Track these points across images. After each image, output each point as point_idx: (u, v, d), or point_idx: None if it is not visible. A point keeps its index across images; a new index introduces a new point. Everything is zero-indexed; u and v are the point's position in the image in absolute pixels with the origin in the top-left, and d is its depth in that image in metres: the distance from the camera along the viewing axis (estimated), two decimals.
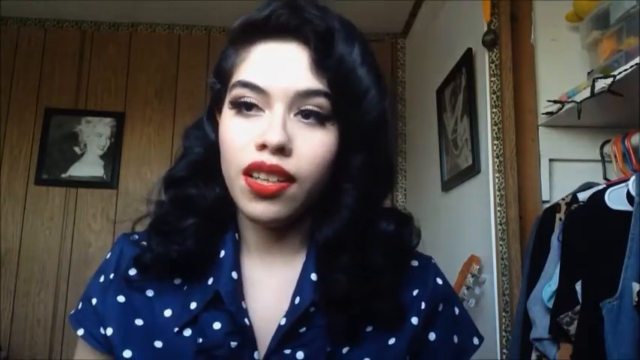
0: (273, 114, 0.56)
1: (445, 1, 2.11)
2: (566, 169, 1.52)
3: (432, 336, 0.64)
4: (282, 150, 0.55)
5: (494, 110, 1.60)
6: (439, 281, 0.67)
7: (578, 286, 1.12)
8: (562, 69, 1.52)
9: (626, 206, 1.07)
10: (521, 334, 1.32)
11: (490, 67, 1.62)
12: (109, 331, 0.62)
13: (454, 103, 1.94)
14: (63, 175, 2.65)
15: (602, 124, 1.47)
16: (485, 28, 1.62)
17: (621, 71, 1.15)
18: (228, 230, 0.64)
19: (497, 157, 1.57)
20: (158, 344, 0.60)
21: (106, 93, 2.74)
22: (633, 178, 1.08)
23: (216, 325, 0.59)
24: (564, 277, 1.17)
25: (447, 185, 2.01)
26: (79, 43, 2.76)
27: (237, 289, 0.61)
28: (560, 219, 1.30)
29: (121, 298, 0.63)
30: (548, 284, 1.23)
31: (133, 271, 0.64)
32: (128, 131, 2.70)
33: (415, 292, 0.64)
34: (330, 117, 0.57)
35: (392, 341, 0.61)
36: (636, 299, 0.98)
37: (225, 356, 0.58)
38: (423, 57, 2.49)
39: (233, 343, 0.58)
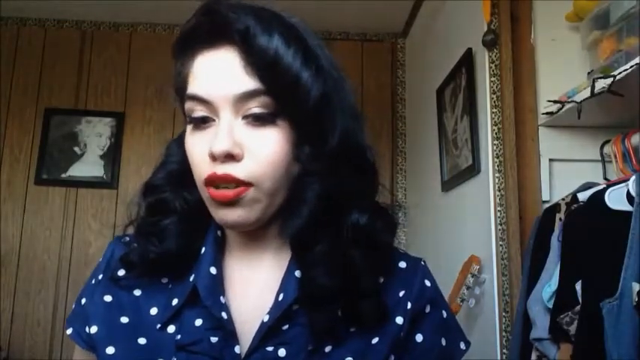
0: (219, 122, 0.58)
1: (445, 1, 2.11)
2: (566, 169, 1.52)
3: (419, 337, 0.64)
4: (231, 157, 0.56)
5: (494, 110, 1.60)
6: (427, 283, 0.66)
7: (578, 286, 1.12)
8: (562, 69, 1.52)
9: (626, 206, 1.07)
10: (521, 334, 1.32)
11: (490, 67, 1.62)
12: (93, 329, 0.63)
13: (454, 103, 1.94)
14: (63, 175, 2.66)
15: (602, 124, 1.47)
16: (485, 28, 1.62)
17: (621, 71, 1.15)
18: (209, 228, 0.65)
19: (497, 157, 1.57)
20: (142, 341, 0.61)
21: (106, 93, 2.74)
22: (633, 178, 1.08)
23: (198, 322, 0.60)
24: (564, 277, 1.17)
25: (447, 185, 2.01)
26: (79, 43, 2.77)
27: (216, 284, 0.62)
28: (560, 219, 1.30)
29: (107, 298, 0.65)
30: (548, 284, 1.23)
31: (122, 272, 0.66)
32: (128, 131, 2.70)
33: (401, 293, 0.64)
34: (275, 113, 0.57)
35: (375, 341, 0.61)
36: (636, 299, 0.98)
37: (206, 352, 0.59)
38: (423, 57, 2.49)
39: (213, 339, 0.59)
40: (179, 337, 0.60)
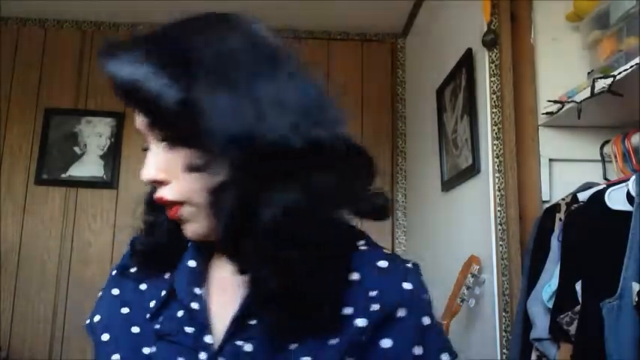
0: (149, 150, 0.61)
1: (445, 1, 2.11)
2: (566, 169, 1.52)
3: (385, 343, 0.59)
4: (158, 182, 0.60)
5: (494, 110, 1.60)
6: (406, 286, 0.61)
7: (578, 286, 1.12)
8: (562, 69, 1.52)
9: (626, 206, 1.07)
10: (521, 334, 1.32)
11: (490, 67, 1.62)
12: (96, 318, 0.68)
13: (454, 103, 1.94)
14: (63, 175, 2.66)
15: (602, 124, 1.47)
16: (485, 28, 1.62)
17: (621, 71, 1.15)
18: None
19: (497, 157, 1.57)
20: (135, 329, 0.65)
21: (106, 93, 2.73)
22: (633, 178, 1.08)
23: (180, 313, 0.63)
24: (564, 277, 1.17)
25: (447, 185, 2.01)
26: (79, 43, 2.77)
27: (193, 277, 0.64)
28: (560, 219, 1.30)
29: (115, 291, 0.70)
30: (548, 284, 1.23)
31: (133, 269, 0.70)
32: (128, 131, 2.69)
33: (373, 294, 0.59)
34: (165, 135, 0.59)
35: (334, 342, 0.58)
36: (636, 299, 0.98)
37: (182, 342, 0.61)
38: (423, 57, 2.49)
39: (189, 330, 0.62)
40: (158, 326, 0.63)
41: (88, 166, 2.67)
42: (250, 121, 0.55)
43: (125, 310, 0.67)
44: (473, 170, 1.73)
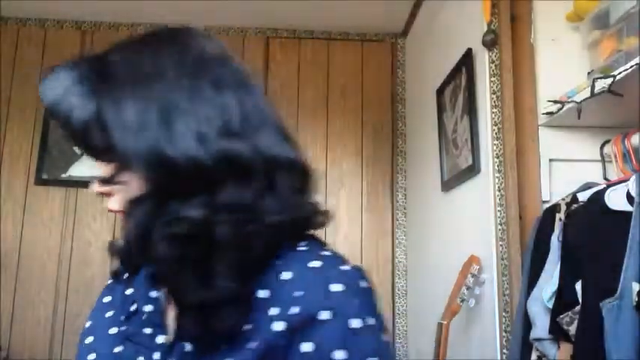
0: None
1: (445, 1, 2.11)
2: (566, 169, 1.52)
3: (306, 347, 0.56)
4: (104, 194, 0.63)
5: (494, 110, 1.60)
6: (333, 288, 0.57)
7: (578, 286, 1.12)
8: (562, 69, 1.52)
9: (626, 206, 1.07)
10: (521, 334, 1.32)
11: (490, 67, 1.62)
12: (87, 324, 0.71)
13: (454, 103, 1.94)
14: (63, 175, 2.66)
15: (602, 124, 1.47)
16: (486, 28, 1.62)
17: (621, 71, 1.15)
18: None
19: (497, 157, 1.57)
20: (113, 331, 0.68)
21: None
22: (633, 178, 1.08)
23: (144, 315, 0.66)
24: (564, 277, 1.17)
25: (447, 185, 2.01)
26: (79, 43, 2.77)
27: (150, 280, 0.66)
28: (560, 219, 1.30)
29: (107, 299, 0.73)
30: (548, 284, 1.23)
31: (125, 275, 0.71)
32: None
33: (298, 294, 0.57)
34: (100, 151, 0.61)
35: (252, 345, 0.57)
36: (636, 299, 0.98)
37: (141, 342, 0.64)
38: (423, 57, 2.49)
39: (147, 330, 0.64)
40: (125, 328, 0.66)
41: (88, 166, 2.65)
42: (156, 135, 0.56)
43: (109, 314, 0.70)
44: (473, 170, 1.73)
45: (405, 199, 2.68)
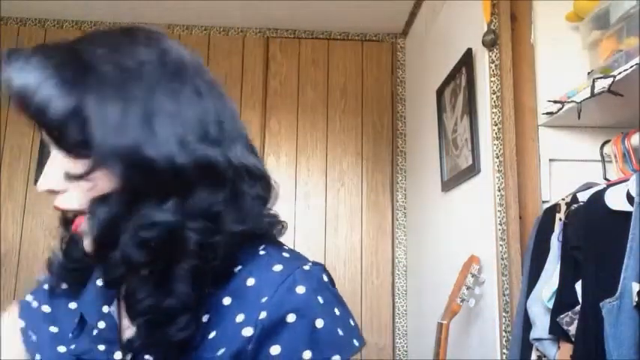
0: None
1: (445, 1, 2.11)
2: (566, 169, 1.52)
3: (275, 349, 0.57)
4: (54, 191, 0.59)
5: (494, 110, 1.60)
6: (298, 290, 0.59)
7: (578, 286, 1.12)
8: (562, 69, 1.52)
9: (626, 206, 1.07)
10: (521, 334, 1.32)
11: (490, 67, 1.62)
12: (34, 338, 0.68)
13: (454, 103, 1.94)
14: None
15: (602, 124, 1.48)
16: (486, 28, 1.62)
17: (621, 71, 1.15)
18: None
19: (497, 157, 1.57)
20: (61, 349, 0.65)
21: None
22: (633, 178, 1.08)
23: (95, 331, 0.64)
24: (564, 277, 1.17)
25: (447, 185, 2.01)
26: None
27: (100, 295, 0.65)
28: (560, 219, 1.30)
29: (46, 308, 0.70)
30: (548, 284, 1.23)
31: (64, 285, 0.70)
32: None
33: (264, 299, 0.58)
34: (58, 142, 0.58)
35: (221, 352, 0.58)
36: (636, 299, 0.98)
37: (95, 359, 0.62)
38: (423, 57, 2.49)
39: (101, 347, 0.62)
40: (73, 347, 0.64)
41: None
42: (137, 135, 0.55)
43: (54, 330, 0.68)
44: (473, 170, 1.73)
45: (405, 199, 2.68)
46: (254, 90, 2.74)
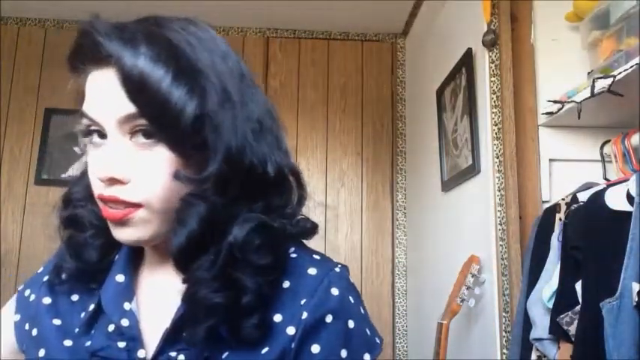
0: (107, 143, 0.58)
1: (445, 1, 2.11)
2: (566, 169, 1.52)
3: (315, 348, 0.60)
4: (117, 180, 0.57)
5: (494, 110, 1.60)
6: (333, 292, 0.62)
7: (578, 286, 1.12)
8: (562, 69, 1.52)
9: (626, 206, 1.07)
10: (521, 334, 1.32)
11: (490, 67, 1.62)
12: (34, 332, 0.67)
13: (454, 103, 1.94)
14: (63, 175, 2.65)
15: (602, 124, 1.47)
16: (485, 28, 1.62)
17: (621, 71, 1.15)
18: None
19: (497, 157, 1.57)
20: (68, 343, 0.65)
21: None
22: (633, 178, 1.08)
23: (110, 327, 0.63)
24: (564, 277, 1.17)
25: (447, 185, 2.01)
26: None
27: (121, 292, 0.64)
28: (560, 219, 1.30)
29: (47, 300, 0.69)
30: (548, 284, 1.23)
31: (63, 276, 0.69)
32: None
33: (303, 302, 0.61)
34: (154, 135, 0.57)
35: (264, 350, 0.59)
36: (636, 299, 0.98)
37: (114, 357, 0.62)
38: (423, 57, 2.49)
39: (121, 344, 0.62)
40: (89, 343, 0.63)
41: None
42: (244, 140, 0.59)
43: (57, 322, 0.67)
44: (473, 170, 1.73)
45: (405, 199, 2.68)
46: None
